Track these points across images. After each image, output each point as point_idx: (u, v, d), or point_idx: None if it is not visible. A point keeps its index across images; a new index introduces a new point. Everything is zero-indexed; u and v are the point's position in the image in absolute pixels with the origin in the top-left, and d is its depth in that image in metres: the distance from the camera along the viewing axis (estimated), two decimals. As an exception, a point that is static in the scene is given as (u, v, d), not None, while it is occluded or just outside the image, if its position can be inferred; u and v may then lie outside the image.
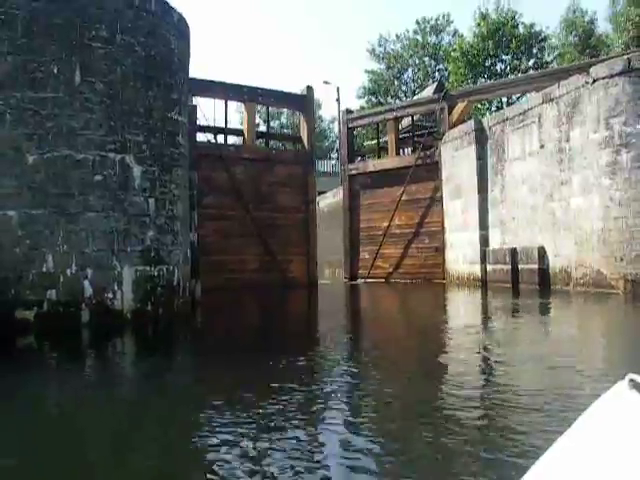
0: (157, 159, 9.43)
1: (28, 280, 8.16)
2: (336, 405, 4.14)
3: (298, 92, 20.50)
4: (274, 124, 50.58)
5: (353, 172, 22.42)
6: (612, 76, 12.46)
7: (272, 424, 3.51)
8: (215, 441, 3.35)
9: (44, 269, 8.23)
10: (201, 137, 18.09)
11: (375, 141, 24.77)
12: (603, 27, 30.41)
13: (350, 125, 22.99)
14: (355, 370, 5.29)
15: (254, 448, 3.16)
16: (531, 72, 20.39)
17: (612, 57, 14.65)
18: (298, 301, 16.07)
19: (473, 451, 2.97)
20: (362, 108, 37.17)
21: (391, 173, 20.78)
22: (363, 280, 21.46)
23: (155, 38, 9.44)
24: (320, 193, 32.89)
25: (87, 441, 3.52)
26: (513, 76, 26.22)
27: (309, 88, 20.19)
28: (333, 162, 46.85)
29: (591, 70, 13.08)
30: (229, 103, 19.48)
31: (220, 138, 19.21)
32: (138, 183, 9.08)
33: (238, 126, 19.95)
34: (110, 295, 8.71)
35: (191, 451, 3.37)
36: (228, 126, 19.58)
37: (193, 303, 11.54)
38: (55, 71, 8.38)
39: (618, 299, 11.60)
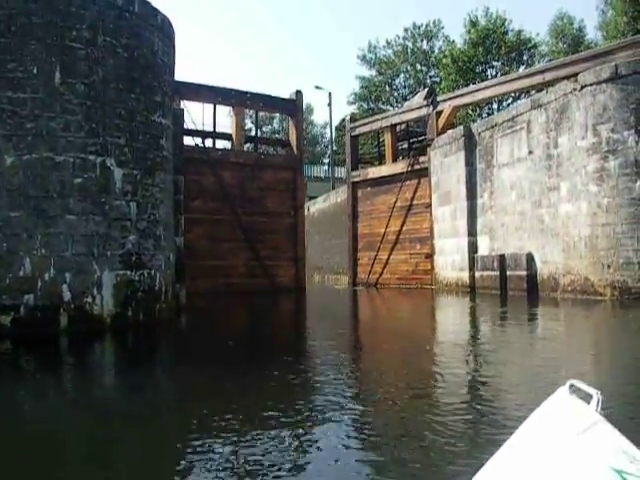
0: (139, 162, 9.29)
1: (5, 284, 7.99)
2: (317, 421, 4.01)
3: (288, 97, 20.41)
4: (266, 129, 50.57)
5: (356, 179, 22.46)
6: (600, 82, 12.45)
7: (255, 453, 3.32)
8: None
9: (21, 273, 8.07)
10: (190, 141, 17.99)
11: (376, 148, 24.91)
12: (593, 35, 30.62)
13: (353, 133, 23.04)
14: (341, 392, 4.80)
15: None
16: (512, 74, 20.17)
17: (594, 52, 14.57)
18: (285, 307, 15.91)
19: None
20: (354, 114, 37.16)
21: (387, 180, 20.91)
22: (361, 286, 21.55)
23: (138, 40, 9.33)
24: (311, 198, 32.91)
25: (51, 461, 3.34)
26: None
27: (298, 92, 20.11)
28: (325, 167, 46.89)
29: (579, 76, 13.07)
30: (220, 107, 19.41)
31: (209, 142, 19.09)
32: (119, 186, 8.94)
33: (229, 130, 19.75)
34: (89, 300, 8.55)
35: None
36: (218, 130, 19.47)
37: (178, 308, 11.39)
38: (35, 71, 8.25)
39: (605, 306, 11.55)
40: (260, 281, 18.38)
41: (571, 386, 1.51)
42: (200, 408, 4.25)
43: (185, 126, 16.56)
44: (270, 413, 3.98)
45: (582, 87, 12.84)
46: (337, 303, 17.03)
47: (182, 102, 17.24)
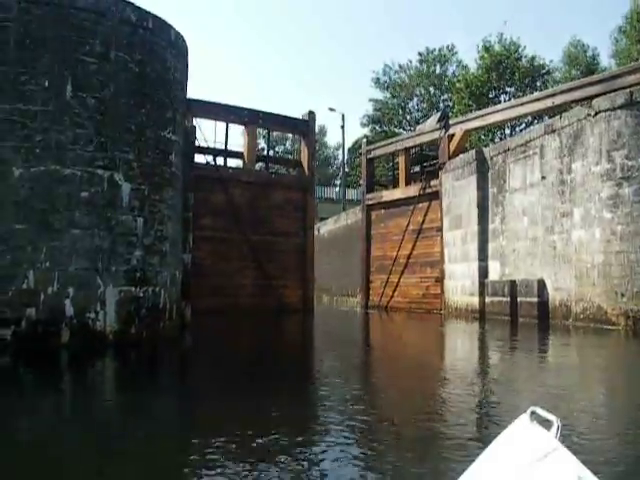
0: (147, 177, 9.25)
1: (7, 297, 7.90)
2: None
3: (301, 117, 20.44)
4: (279, 149, 50.84)
5: (370, 202, 22.41)
6: (614, 109, 12.31)
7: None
8: None
9: (24, 286, 7.98)
10: (201, 159, 18.01)
11: (391, 171, 24.96)
12: (607, 62, 30.60)
13: (369, 156, 23.05)
14: (345, 428, 4.50)
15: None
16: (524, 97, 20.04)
17: (603, 76, 14.44)
18: (293, 329, 15.71)
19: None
20: (366, 136, 37.21)
21: (400, 203, 20.86)
22: (373, 309, 21.45)
23: (151, 55, 9.34)
24: (322, 219, 32.83)
25: None
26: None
27: (311, 113, 20.13)
28: (336, 189, 46.89)
29: (593, 102, 12.95)
30: (233, 126, 19.47)
31: (220, 160, 19.13)
32: (126, 201, 8.88)
33: (241, 149, 19.74)
34: (92, 315, 8.44)
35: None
36: (230, 149, 19.50)
37: (182, 326, 11.25)
38: (46, 84, 8.26)
39: (619, 336, 11.25)
40: (268, 301, 18.21)
41: (532, 413, 1.55)
42: (198, 434, 4.10)
43: (197, 143, 16.64)
44: (275, 439, 3.81)
45: (596, 113, 12.70)
46: (346, 326, 16.80)
47: (194, 119, 17.33)
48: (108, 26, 8.73)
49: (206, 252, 16.93)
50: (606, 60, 31.32)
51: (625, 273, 11.89)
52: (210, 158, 18.53)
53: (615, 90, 12.96)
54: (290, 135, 43.89)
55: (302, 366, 8.01)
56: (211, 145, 18.58)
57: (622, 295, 11.92)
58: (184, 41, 10.54)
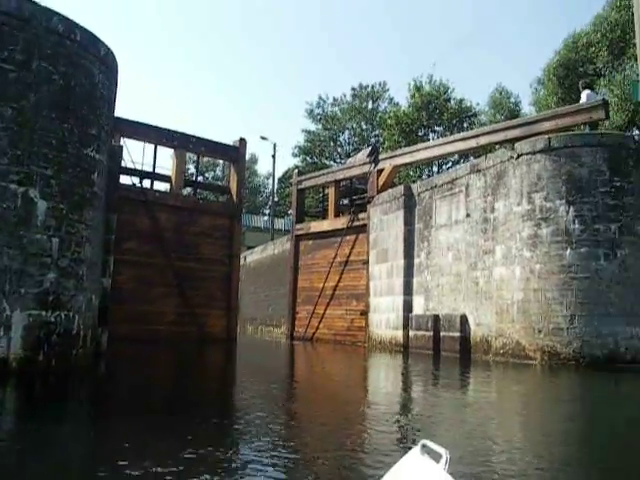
0: (66, 196, 8.74)
1: None
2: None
3: (231, 143, 20.25)
4: (208, 175, 50.27)
5: (299, 232, 22.35)
6: (535, 152, 12.89)
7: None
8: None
9: None
10: (127, 180, 17.44)
11: (321, 203, 25.12)
12: (527, 110, 32.30)
13: (300, 187, 23.07)
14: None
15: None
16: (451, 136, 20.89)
17: (523, 120, 15.21)
18: (214, 359, 15.20)
19: None
20: (296, 167, 37.43)
21: (328, 235, 20.99)
22: (298, 340, 21.32)
23: (77, 68, 8.93)
24: (249, 248, 32.49)
25: None
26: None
27: (242, 140, 20.01)
28: (265, 218, 46.74)
29: (516, 145, 13.53)
30: (163, 149, 19.03)
31: (147, 183, 18.57)
32: (41, 219, 8.33)
33: (169, 173, 19.24)
34: (-6, 341, 7.78)
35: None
36: (158, 172, 18.98)
37: (98, 354, 10.63)
38: (-43, 91, 7.71)
39: (535, 371, 11.55)
40: (189, 329, 17.66)
41: (423, 446, 1.58)
42: (102, 470, 3.75)
43: (123, 164, 16.09)
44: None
45: (519, 155, 13.25)
46: (269, 357, 16.44)
47: (122, 139, 16.80)
48: (32, 34, 8.28)
49: (128, 277, 16.28)
50: (527, 107, 33.12)
51: (542, 310, 12.30)
52: (137, 180, 17.95)
53: (534, 135, 13.72)
54: (220, 162, 43.57)
55: (222, 400, 7.68)
56: (138, 167, 18.04)
57: (539, 331, 12.31)
58: (114, 57, 10.17)
